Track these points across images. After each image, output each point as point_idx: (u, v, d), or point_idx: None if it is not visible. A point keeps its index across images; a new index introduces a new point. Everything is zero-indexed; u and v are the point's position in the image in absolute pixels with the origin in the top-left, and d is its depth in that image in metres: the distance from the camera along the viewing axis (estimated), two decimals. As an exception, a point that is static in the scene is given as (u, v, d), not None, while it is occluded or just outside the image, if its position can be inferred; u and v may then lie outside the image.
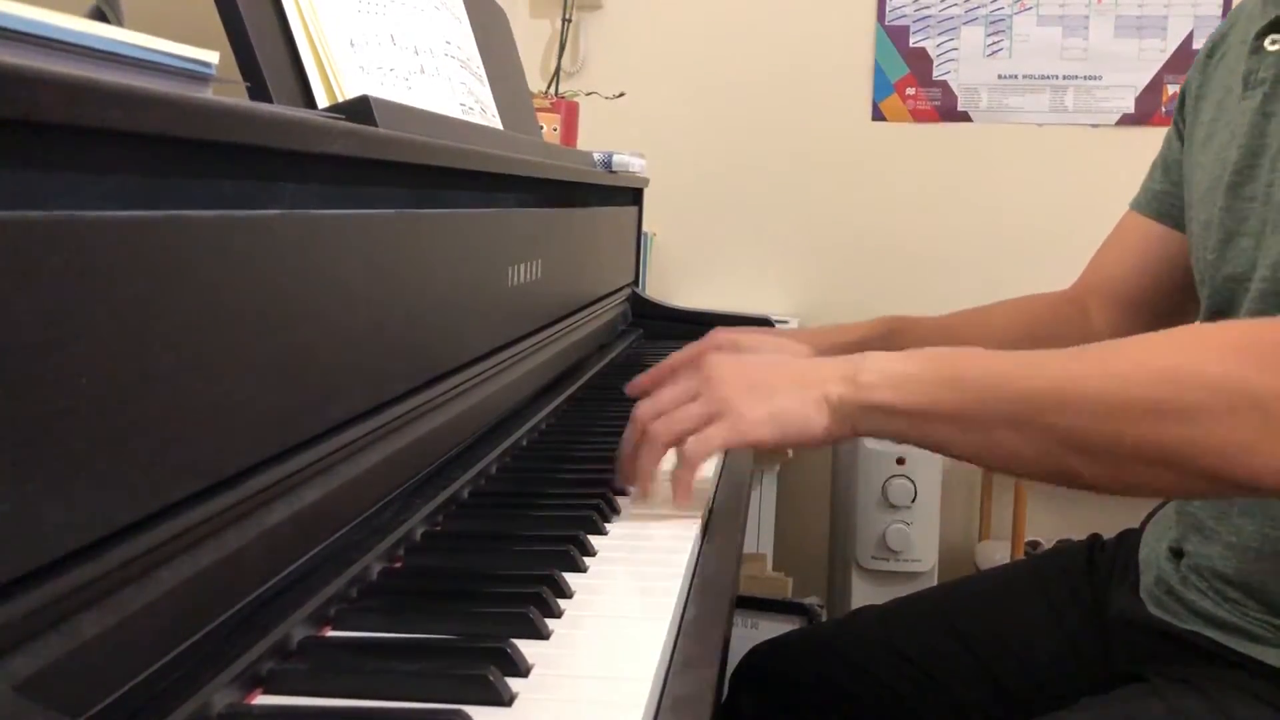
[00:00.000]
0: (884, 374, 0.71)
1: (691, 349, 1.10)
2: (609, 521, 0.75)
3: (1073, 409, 0.65)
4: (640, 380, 1.10)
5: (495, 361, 0.91)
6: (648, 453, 0.76)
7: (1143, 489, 0.68)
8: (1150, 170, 1.05)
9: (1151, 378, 0.64)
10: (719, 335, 1.10)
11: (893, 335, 1.09)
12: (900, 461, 2.09)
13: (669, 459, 0.77)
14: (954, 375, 0.70)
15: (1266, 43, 0.83)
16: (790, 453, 2.04)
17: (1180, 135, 0.99)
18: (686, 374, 0.78)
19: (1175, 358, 0.64)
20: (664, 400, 0.77)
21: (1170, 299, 1.01)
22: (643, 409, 0.77)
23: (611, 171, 1.55)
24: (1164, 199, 1.01)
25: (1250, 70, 0.84)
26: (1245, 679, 0.77)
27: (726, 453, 1.01)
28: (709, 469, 0.88)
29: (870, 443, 2.10)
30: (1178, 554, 0.86)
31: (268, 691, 0.48)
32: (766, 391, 0.73)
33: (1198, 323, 0.66)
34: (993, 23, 2.30)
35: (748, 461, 1.01)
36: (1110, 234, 1.09)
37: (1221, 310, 0.86)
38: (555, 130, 1.75)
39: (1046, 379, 0.67)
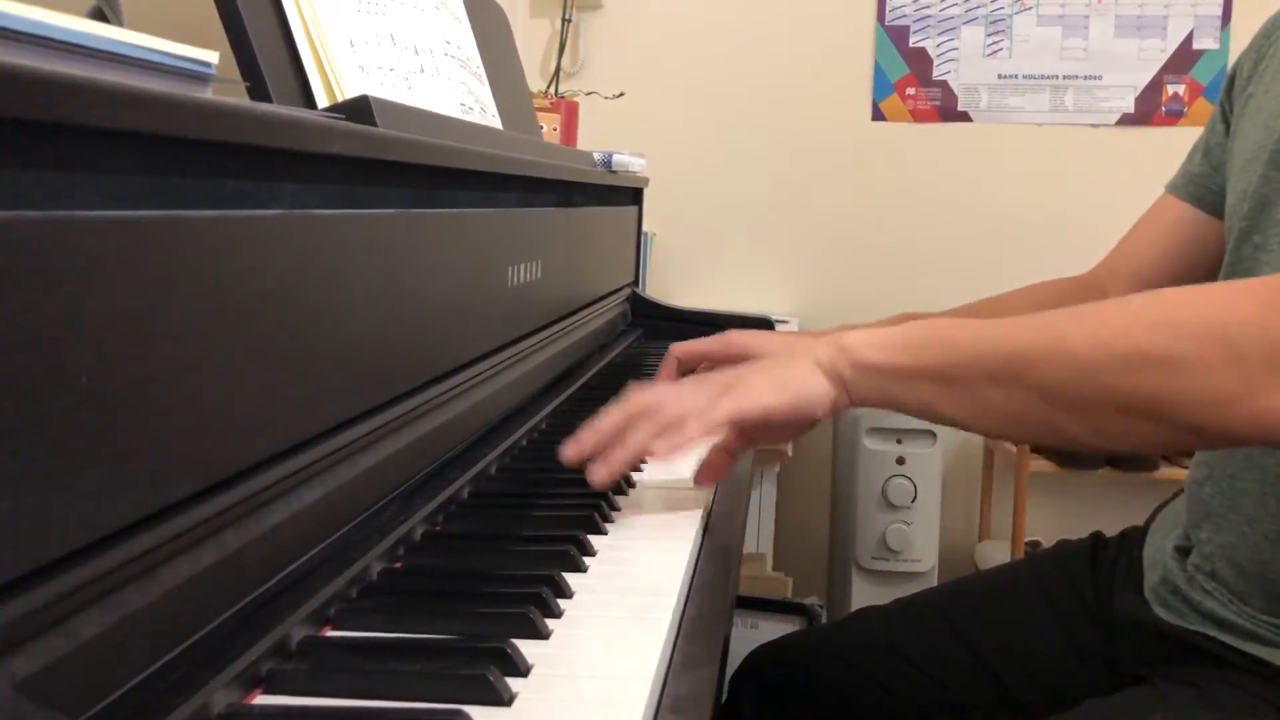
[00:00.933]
0: (868, 336, 0.73)
1: (704, 343, 1.08)
2: (609, 521, 0.75)
3: (1056, 363, 0.65)
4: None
5: (495, 361, 0.91)
6: (646, 428, 0.73)
7: (1127, 441, 0.68)
8: (1190, 153, 1.03)
9: (1134, 330, 0.64)
10: (733, 335, 1.08)
11: None
12: (900, 461, 2.09)
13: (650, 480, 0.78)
14: (938, 335, 0.71)
15: None
16: (790, 452, 2.04)
17: (1225, 118, 0.98)
18: (686, 378, 0.79)
19: (1158, 311, 0.65)
20: (663, 390, 0.76)
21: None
22: (644, 393, 0.76)
23: (611, 171, 1.55)
24: (1200, 182, 1.00)
25: None
26: (1252, 682, 0.77)
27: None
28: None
29: (870, 442, 2.10)
30: (1184, 552, 0.86)
31: (268, 691, 0.48)
32: (764, 366, 0.75)
33: (1185, 286, 0.67)
34: (993, 23, 2.30)
35: (748, 462, 1.01)
36: (1142, 216, 1.07)
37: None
38: (555, 130, 1.75)
39: (1029, 335, 0.67)
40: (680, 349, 1.08)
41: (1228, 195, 0.91)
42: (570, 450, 0.75)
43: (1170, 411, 0.63)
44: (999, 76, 2.31)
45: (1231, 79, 0.97)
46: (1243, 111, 0.93)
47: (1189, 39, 2.24)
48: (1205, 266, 0.97)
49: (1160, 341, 0.63)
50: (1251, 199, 0.84)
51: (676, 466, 0.87)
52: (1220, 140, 0.98)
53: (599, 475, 0.73)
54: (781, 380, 0.73)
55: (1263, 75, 0.91)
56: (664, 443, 0.72)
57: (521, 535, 0.71)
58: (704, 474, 0.79)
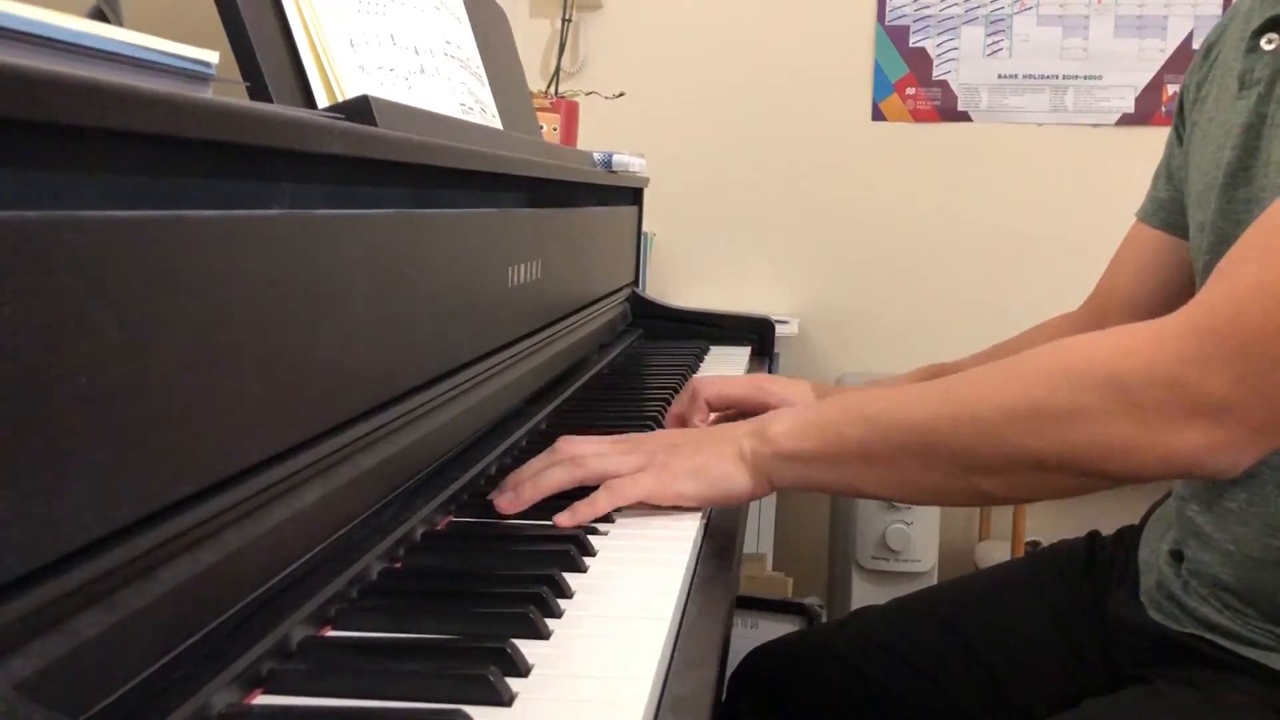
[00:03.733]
0: (792, 423, 0.74)
1: (735, 387, 1.04)
2: (609, 522, 0.75)
3: (965, 430, 0.67)
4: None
5: (495, 361, 0.91)
6: (563, 473, 0.75)
7: (1046, 493, 0.70)
8: (1154, 178, 1.04)
9: (1034, 388, 0.66)
10: (764, 382, 1.04)
11: None
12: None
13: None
14: (856, 415, 0.72)
15: (1263, 42, 0.82)
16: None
17: (1180, 139, 0.98)
18: (614, 438, 0.80)
19: (1056, 365, 0.66)
20: (592, 446, 0.77)
21: None
22: (571, 444, 0.78)
23: (611, 171, 1.55)
24: (1168, 207, 1.00)
25: (1246, 69, 0.83)
26: (1248, 682, 0.77)
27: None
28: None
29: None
30: (1178, 556, 0.86)
31: (268, 691, 0.48)
32: (688, 450, 0.76)
33: (1074, 336, 0.69)
34: (993, 23, 2.30)
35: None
36: (1120, 246, 1.07)
37: None
38: (555, 130, 1.75)
39: (936, 405, 0.69)
40: (710, 391, 1.04)
41: (1189, 224, 0.91)
42: (504, 502, 0.75)
43: (1080, 463, 0.65)
44: (999, 76, 2.31)
45: (1180, 103, 0.98)
46: (1191, 138, 0.93)
47: (1189, 39, 2.24)
48: (1191, 290, 0.96)
49: (1059, 397, 0.64)
50: (1210, 232, 0.85)
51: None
52: (1180, 163, 0.98)
53: (502, 506, 0.74)
54: (704, 472, 0.75)
55: (1205, 101, 0.92)
56: (571, 515, 0.72)
57: (522, 535, 0.71)
58: (584, 509, 0.73)
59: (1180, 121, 0.98)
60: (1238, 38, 0.88)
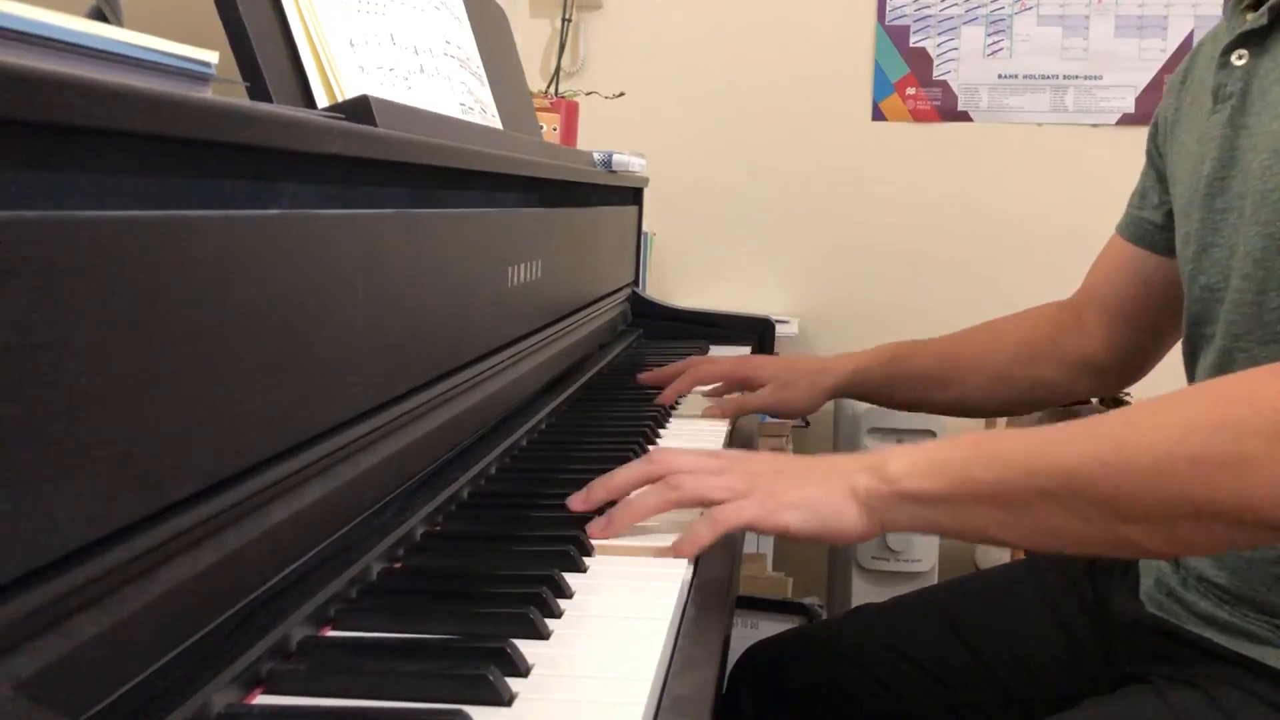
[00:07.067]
0: (913, 461, 0.68)
1: (712, 364, 1.10)
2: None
3: (1117, 473, 0.62)
4: (657, 374, 1.12)
5: (495, 361, 0.91)
6: (659, 497, 0.72)
7: (1204, 547, 0.66)
8: (1130, 198, 1.08)
9: (1195, 434, 0.61)
10: (754, 360, 1.11)
11: (894, 361, 1.10)
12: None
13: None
14: (988, 454, 0.67)
15: (1234, 58, 0.86)
16: (790, 449, 2.04)
17: (1155, 166, 1.02)
18: (712, 453, 0.76)
19: (1216, 411, 0.62)
20: (690, 462, 0.73)
21: (1153, 316, 1.06)
22: (667, 459, 0.74)
23: (611, 171, 1.55)
24: (1142, 225, 1.04)
25: (1219, 84, 0.87)
26: (1248, 679, 0.77)
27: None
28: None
29: (871, 442, 2.10)
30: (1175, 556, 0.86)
31: (268, 691, 0.48)
32: (795, 478, 0.71)
33: (1234, 374, 0.66)
34: (993, 23, 2.30)
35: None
36: (1100, 253, 1.13)
37: (1198, 321, 0.88)
38: (555, 130, 1.75)
39: (1084, 447, 0.64)
40: (704, 369, 1.09)
41: (1177, 236, 0.95)
42: (578, 502, 0.74)
43: (1246, 514, 0.60)
44: (999, 76, 2.31)
45: (1155, 129, 1.02)
46: (1176, 158, 0.96)
47: (1189, 39, 2.24)
48: (1158, 300, 1.03)
49: (1224, 444, 0.60)
50: (1194, 242, 0.88)
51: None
52: (1153, 184, 1.03)
53: (595, 532, 0.71)
54: (812, 506, 0.69)
55: (1182, 121, 0.95)
56: (676, 549, 0.70)
57: (521, 535, 0.71)
58: (687, 545, 0.70)
59: (1155, 147, 1.02)
60: (1209, 58, 0.91)
